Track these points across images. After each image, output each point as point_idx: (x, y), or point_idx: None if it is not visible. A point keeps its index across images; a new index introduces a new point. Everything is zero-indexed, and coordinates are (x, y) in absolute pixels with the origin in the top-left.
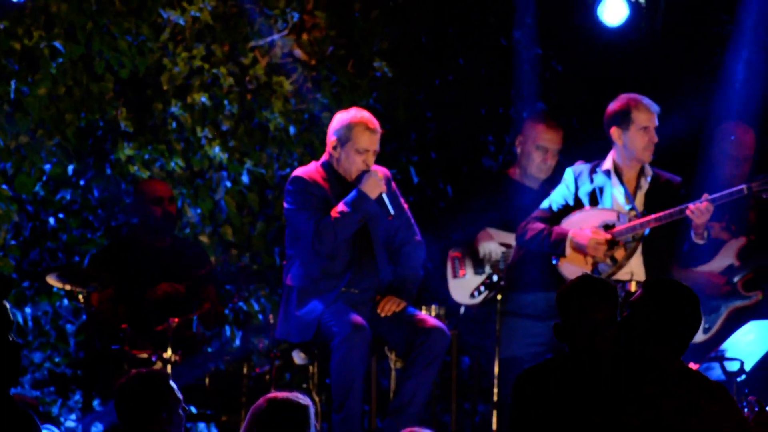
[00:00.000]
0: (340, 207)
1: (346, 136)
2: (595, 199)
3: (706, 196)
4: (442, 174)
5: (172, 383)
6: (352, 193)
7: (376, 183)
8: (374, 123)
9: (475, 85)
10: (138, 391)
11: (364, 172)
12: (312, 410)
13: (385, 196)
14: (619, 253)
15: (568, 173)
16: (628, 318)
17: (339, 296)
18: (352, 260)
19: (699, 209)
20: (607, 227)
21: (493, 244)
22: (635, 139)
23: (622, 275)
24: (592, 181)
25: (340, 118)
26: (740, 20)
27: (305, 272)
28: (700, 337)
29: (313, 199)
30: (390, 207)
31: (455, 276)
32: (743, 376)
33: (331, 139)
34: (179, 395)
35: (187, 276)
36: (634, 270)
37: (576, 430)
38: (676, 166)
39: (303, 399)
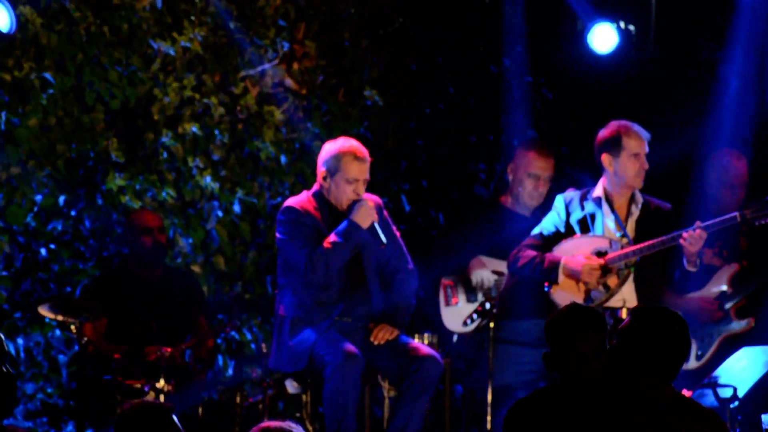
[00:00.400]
0: (332, 237)
1: (335, 167)
2: (586, 226)
3: (698, 223)
4: (433, 202)
5: (174, 416)
6: (344, 223)
7: (368, 212)
8: (363, 152)
9: (465, 113)
10: (139, 422)
11: (356, 202)
12: None
13: (376, 225)
14: (612, 281)
15: (559, 200)
16: (617, 346)
17: (331, 325)
18: (345, 289)
19: (692, 237)
20: (600, 254)
21: (486, 272)
22: (626, 165)
23: (613, 302)
24: (582, 208)
25: (329, 148)
26: (729, 47)
27: (298, 301)
28: (692, 363)
29: (305, 229)
30: (382, 236)
31: (448, 304)
32: (736, 403)
33: (320, 169)
34: (180, 428)
35: (178, 306)
36: (626, 297)
37: None
38: (667, 193)
39: (296, 428)
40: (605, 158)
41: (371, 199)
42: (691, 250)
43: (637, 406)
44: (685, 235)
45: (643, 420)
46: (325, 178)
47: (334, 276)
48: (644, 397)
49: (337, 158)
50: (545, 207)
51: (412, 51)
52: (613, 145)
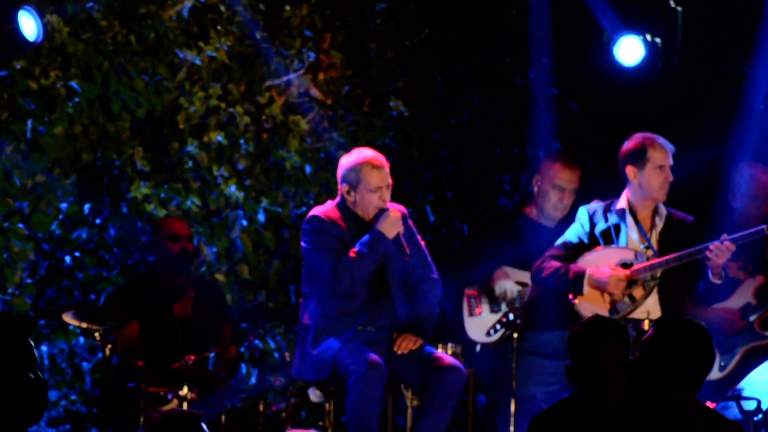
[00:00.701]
0: (357, 247)
1: (355, 180)
2: (609, 237)
3: (725, 236)
4: (457, 213)
5: (203, 424)
6: (369, 234)
7: (394, 223)
8: (379, 159)
9: (490, 125)
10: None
11: (381, 211)
12: None
13: (401, 236)
14: (638, 292)
15: (582, 212)
16: (640, 358)
17: (355, 335)
18: (369, 299)
19: (719, 249)
20: (625, 266)
21: (509, 283)
22: (651, 178)
23: (637, 314)
24: (606, 219)
25: (345, 162)
26: (755, 61)
27: (322, 311)
28: (715, 375)
29: (331, 239)
30: (406, 247)
31: (471, 314)
32: (760, 416)
33: (342, 185)
34: None
35: (202, 315)
36: (650, 309)
37: None
38: (691, 205)
39: None
40: (630, 170)
41: (397, 209)
42: (717, 262)
43: (660, 418)
44: (711, 247)
45: (667, 431)
46: (348, 192)
47: (359, 286)
48: (668, 409)
49: (356, 170)
50: (569, 219)
51: (438, 62)
52: (638, 157)
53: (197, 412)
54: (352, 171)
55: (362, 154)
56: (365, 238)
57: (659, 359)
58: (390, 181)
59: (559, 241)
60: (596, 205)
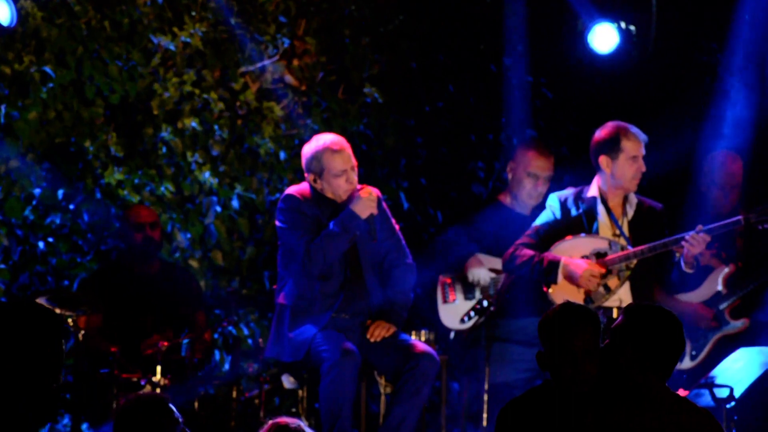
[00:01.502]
0: (330, 226)
1: (318, 167)
2: (581, 225)
3: (700, 227)
4: (432, 200)
5: (171, 406)
6: (342, 213)
7: (367, 204)
8: (339, 143)
9: (465, 112)
10: (137, 415)
11: (355, 192)
12: None
13: (373, 220)
14: (613, 282)
15: (553, 199)
16: (610, 345)
17: (330, 321)
18: (345, 280)
19: (695, 239)
20: (599, 255)
21: (483, 270)
22: (624, 168)
23: (611, 302)
24: (578, 207)
25: (306, 151)
26: (729, 49)
27: (298, 292)
28: (687, 363)
29: (305, 219)
30: (376, 231)
31: (445, 301)
32: (733, 403)
33: (307, 175)
34: (179, 417)
35: (174, 301)
36: (621, 297)
37: None
38: (664, 193)
39: (308, 430)
40: (603, 160)
41: (372, 191)
42: (692, 252)
43: (631, 404)
44: (687, 237)
45: (636, 419)
46: (315, 181)
47: (335, 267)
48: (638, 395)
49: (317, 158)
50: (544, 206)
51: (413, 49)
52: (611, 147)
53: (164, 395)
54: (314, 159)
55: (321, 140)
56: (338, 217)
57: (630, 345)
58: (354, 162)
59: (531, 229)
60: (567, 192)
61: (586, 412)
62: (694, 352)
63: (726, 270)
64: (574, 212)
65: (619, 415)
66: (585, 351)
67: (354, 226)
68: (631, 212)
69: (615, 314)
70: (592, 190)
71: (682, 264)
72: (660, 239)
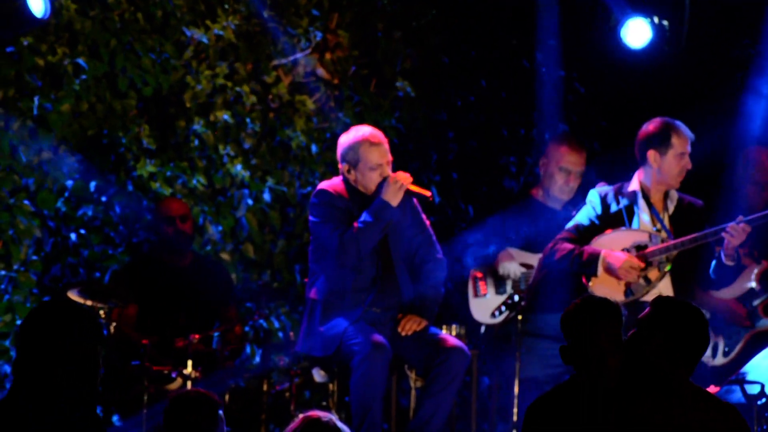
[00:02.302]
0: (362, 217)
1: (354, 158)
2: (621, 220)
3: (741, 217)
4: (463, 194)
5: (220, 412)
6: (374, 203)
7: (396, 189)
8: (377, 136)
9: (496, 107)
10: (192, 412)
11: (384, 180)
12: None
13: (411, 189)
14: (653, 274)
15: (593, 195)
16: (636, 335)
17: (361, 315)
18: (377, 274)
19: (735, 230)
20: (639, 248)
21: (514, 264)
22: (672, 164)
23: (651, 296)
24: (618, 202)
25: (343, 141)
26: (762, 44)
27: (330, 287)
28: (719, 360)
29: (338, 212)
30: (424, 192)
31: (476, 295)
32: (764, 400)
33: (341, 165)
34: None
35: (206, 294)
36: (662, 291)
37: None
38: (697, 189)
39: (340, 424)
40: (651, 154)
41: (399, 176)
42: (733, 243)
43: (656, 396)
44: (728, 228)
45: (662, 410)
46: (348, 171)
47: (367, 261)
48: (663, 387)
49: (354, 149)
50: (575, 201)
51: (445, 43)
52: (662, 142)
53: (216, 398)
54: (351, 150)
55: (360, 132)
56: (370, 207)
57: (658, 336)
58: (390, 157)
59: (571, 224)
60: (607, 188)
61: (611, 406)
62: (726, 349)
63: (760, 267)
64: (614, 207)
65: (644, 407)
66: (609, 345)
67: (386, 215)
68: (671, 208)
69: None
70: (633, 185)
71: (723, 257)
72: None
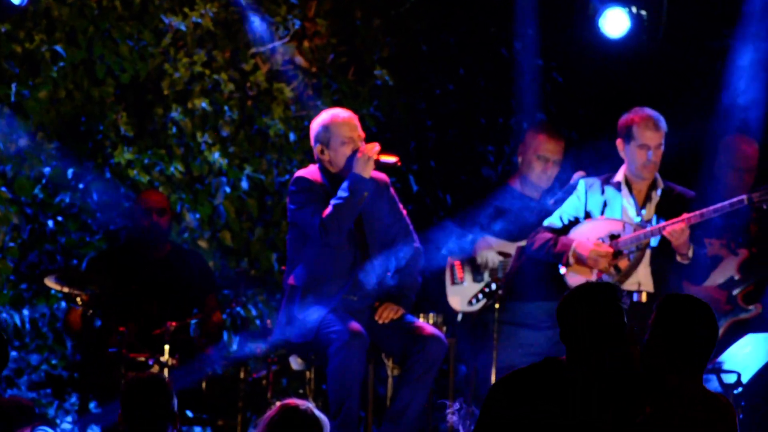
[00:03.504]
0: (339, 193)
1: (326, 136)
2: (605, 211)
3: (685, 215)
4: (441, 183)
5: (170, 388)
6: (347, 178)
7: (365, 160)
8: (344, 113)
9: (475, 95)
10: (141, 393)
11: (352, 156)
12: (328, 427)
13: (382, 160)
14: (623, 263)
15: (581, 185)
16: (648, 343)
17: (339, 303)
18: (354, 264)
19: (674, 231)
20: (613, 237)
21: (491, 253)
22: (634, 155)
23: (629, 285)
24: (603, 192)
25: (314, 125)
26: (740, 34)
27: (309, 272)
28: None
29: (316, 196)
30: (390, 159)
31: (454, 282)
32: (740, 389)
33: (315, 146)
34: (174, 398)
35: (183, 283)
36: (641, 280)
37: None
38: (678, 178)
39: (318, 412)
40: (619, 143)
41: (366, 148)
42: (676, 243)
43: (650, 398)
44: (668, 229)
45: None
46: (322, 152)
47: (344, 248)
48: (658, 388)
49: (325, 128)
50: (553, 190)
51: (424, 31)
52: (626, 132)
53: (163, 375)
54: (322, 128)
55: (329, 112)
56: (344, 183)
57: (655, 336)
58: (361, 132)
59: (555, 214)
60: (594, 179)
61: (604, 401)
62: None
63: (740, 255)
64: (599, 197)
65: (636, 406)
66: (604, 329)
67: (361, 187)
68: (656, 198)
69: (641, 298)
70: (619, 176)
71: (676, 255)
72: None
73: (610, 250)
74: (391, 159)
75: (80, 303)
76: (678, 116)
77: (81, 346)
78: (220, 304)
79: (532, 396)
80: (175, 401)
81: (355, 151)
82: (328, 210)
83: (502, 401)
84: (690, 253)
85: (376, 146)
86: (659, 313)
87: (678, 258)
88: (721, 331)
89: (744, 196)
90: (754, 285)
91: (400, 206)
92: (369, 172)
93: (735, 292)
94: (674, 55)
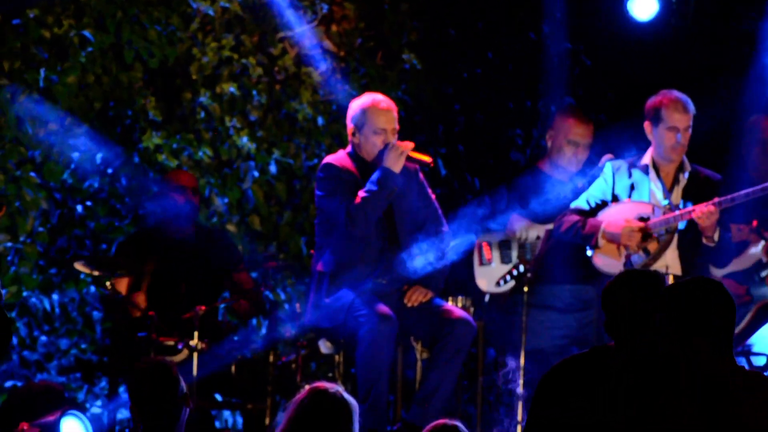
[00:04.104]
0: (367, 186)
1: (361, 121)
2: (632, 194)
3: (716, 199)
4: (469, 166)
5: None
6: (377, 172)
7: (397, 155)
8: (387, 102)
9: (503, 79)
10: (147, 380)
11: (384, 148)
12: (357, 411)
13: (412, 155)
14: (653, 246)
15: (608, 168)
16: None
17: (368, 287)
18: (384, 249)
19: (704, 213)
20: (642, 220)
21: (530, 230)
22: (662, 137)
23: (657, 268)
24: (630, 175)
25: (354, 104)
26: None
27: (337, 259)
28: None
29: (344, 184)
30: (424, 158)
31: (482, 263)
32: None
33: (349, 127)
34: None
35: (211, 265)
36: (669, 263)
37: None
38: (706, 161)
39: (347, 395)
40: (647, 126)
41: (402, 144)
42: (702, 225)
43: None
44: (697, 211)
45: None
46: (354, 134)
47: (373, 233)
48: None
49: (363, 112)
50: (583, 173)
51: (451, 15)
52: (654, 115)
53: (168, 362)
54: (360, 112)
55: (371, 97)
56: (374, 176)
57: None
58: (396, 125)
59: (583, 196)
60: (621, 162)
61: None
62: None
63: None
64: (625, 181)
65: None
66: (644, 316)
67: (390, 182)
68: (683, 180)
69: (671, 281)
70: (646, 158)
71: (703, 238)
72: None
73: (641, 224)
74: (425, 159)
75: (109, 287)
76: (706, 99)
77: (115, 329)
78: (257, 282)
79: (582, 387)
80: (183, 385)
81: (386, 144)
82: (356, 203)
83: (553, 394)
84: (716, 237)
85: (409, 144)
86: (669, 299)
87: (704, 240)
88: (750, 313)
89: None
90: None
91: (429, 191)
92: (399, 167)
93: (763, 274)
94: (702, 38)
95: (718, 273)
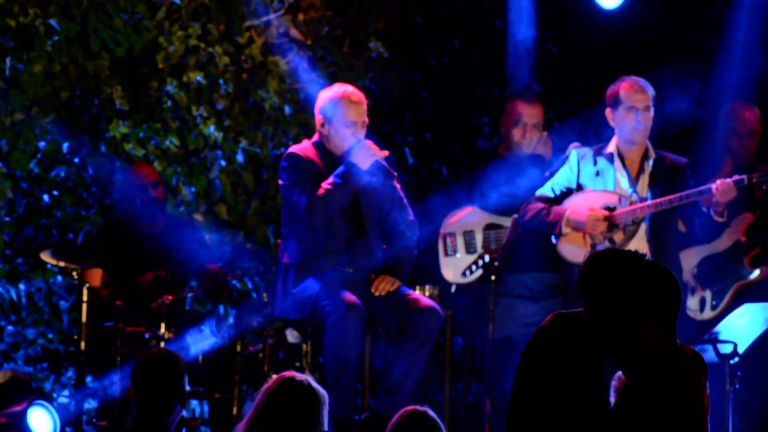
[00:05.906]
0: (331, 179)
1: (331, 112)
2: (596, 181)
3: (736, 177)
4: (436, 154)
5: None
6: (342, 165)
7: (367, 153)
8: (358, 95)
9: (470, 67)
10: (153, 369)
11: (354, 144)
12: (326, 400)
13: (382, 161)
14: (618, 236)
15: (573, 155)
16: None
17: (335, 276)
18: (349, 237)
19: (725, 187)
20: (609, 209)
21: (477, 228)
22: (623, 119)
23: None
24: (595, 163)
25: (324, 95)
26: (735, 4)
27: (302, 250)
28: (707, 314)
29: (307, 175)
30: (391, 169)
31: (447, 254)
32: (736, 359)
33: (318, 117)
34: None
35: (178, 256)
36: (639, 249)
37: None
38: (674, 148)
39: (315, 384)
40: (608, 113)
41: (375, 148)
42: (721, 201)
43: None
44: (717, 185)
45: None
46: (323, 125)
47: (338, 223)
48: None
49: (333, 103)
50: (541, 157)
51: (418, 3)
52: (614, 99)
53: (176, 355)
54: (330, 103)
55: (342, 88)
56: (339, 169)
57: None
58: (366, 119)
59: (548, 184)
60: (586, 150)
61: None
62: (714, 302)
63: (745, 219)
64: (591, 169)
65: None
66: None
67: (355, 178)
68: (648, 168)
69: None
70: (610, 147)
71: (713, 213)
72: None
73: (606, 213)
74: (383, 154)
75: (75, 277)
76: (672, 86)
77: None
78: (224, 271)
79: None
80: (186, 379)
81: (358, 140)
82: (317, 194)
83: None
84: (726, 213)
85: (385, 153)
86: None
87: (714, 217)
88: (728, 295)
89: (744, 176)
90: (760, 248)
91: (401, 194)
92: (367, 165)
93: (741, 255)
94: (669, 26)
95: (691, 261)
